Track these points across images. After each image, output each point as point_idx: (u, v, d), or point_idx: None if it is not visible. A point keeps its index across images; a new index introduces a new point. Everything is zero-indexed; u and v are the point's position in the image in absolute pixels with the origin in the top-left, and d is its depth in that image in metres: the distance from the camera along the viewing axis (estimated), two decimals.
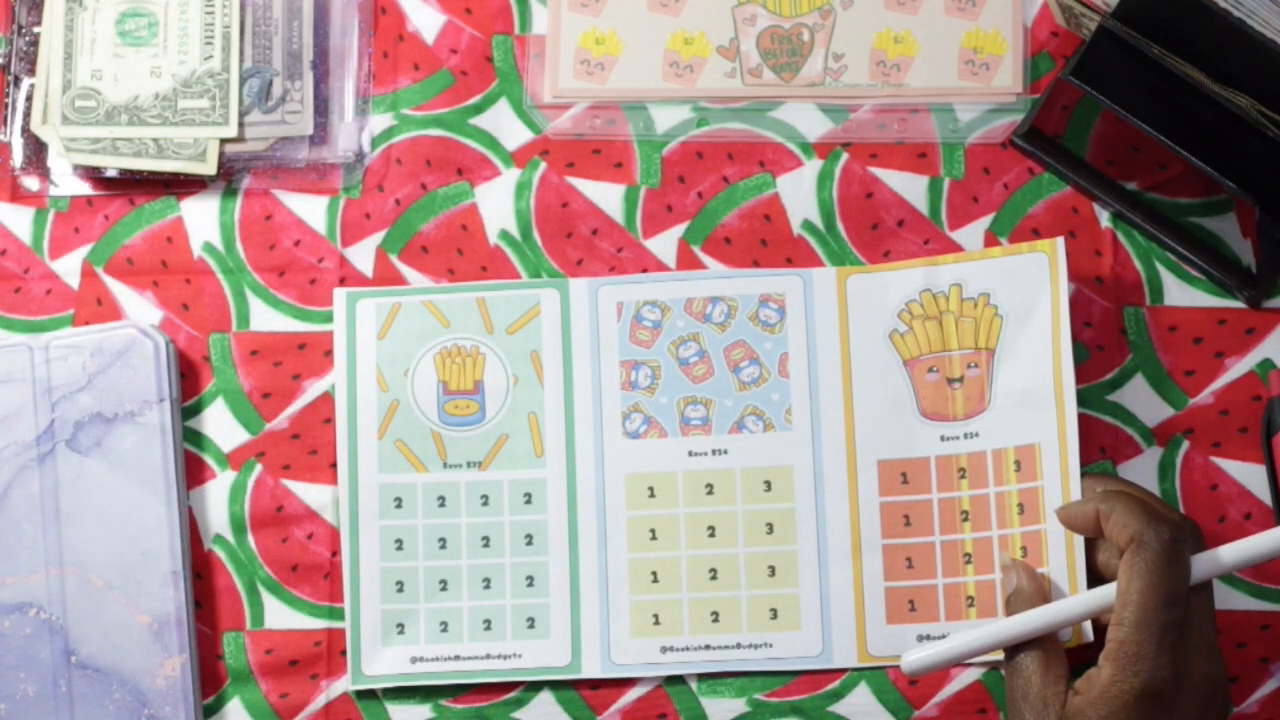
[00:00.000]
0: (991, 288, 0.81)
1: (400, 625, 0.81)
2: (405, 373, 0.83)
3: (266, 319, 0.85)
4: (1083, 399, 0.82)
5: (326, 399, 0.84)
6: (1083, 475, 0.77)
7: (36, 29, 0.87)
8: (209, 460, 0.84)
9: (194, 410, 0.84)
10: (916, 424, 0.81)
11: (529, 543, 0.82)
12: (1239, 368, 0.82)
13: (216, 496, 0.84)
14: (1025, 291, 0.80)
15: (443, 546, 0.82)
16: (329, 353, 0.84)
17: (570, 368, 0.83)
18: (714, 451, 0.82)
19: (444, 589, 0.82)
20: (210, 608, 0.83)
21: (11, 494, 0.82)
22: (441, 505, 0.82)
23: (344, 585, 0.82)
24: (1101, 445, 0.82)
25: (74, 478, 0.82)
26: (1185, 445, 0.82)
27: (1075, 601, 0.73)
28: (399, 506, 0.82)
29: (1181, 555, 0.70)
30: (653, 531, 0.82)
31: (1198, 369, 0.82)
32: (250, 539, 0.84)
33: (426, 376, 0.83)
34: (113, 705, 0.81)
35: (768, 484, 0.82)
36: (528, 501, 0.82)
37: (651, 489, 0.82)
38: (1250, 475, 0.82)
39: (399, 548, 0.82)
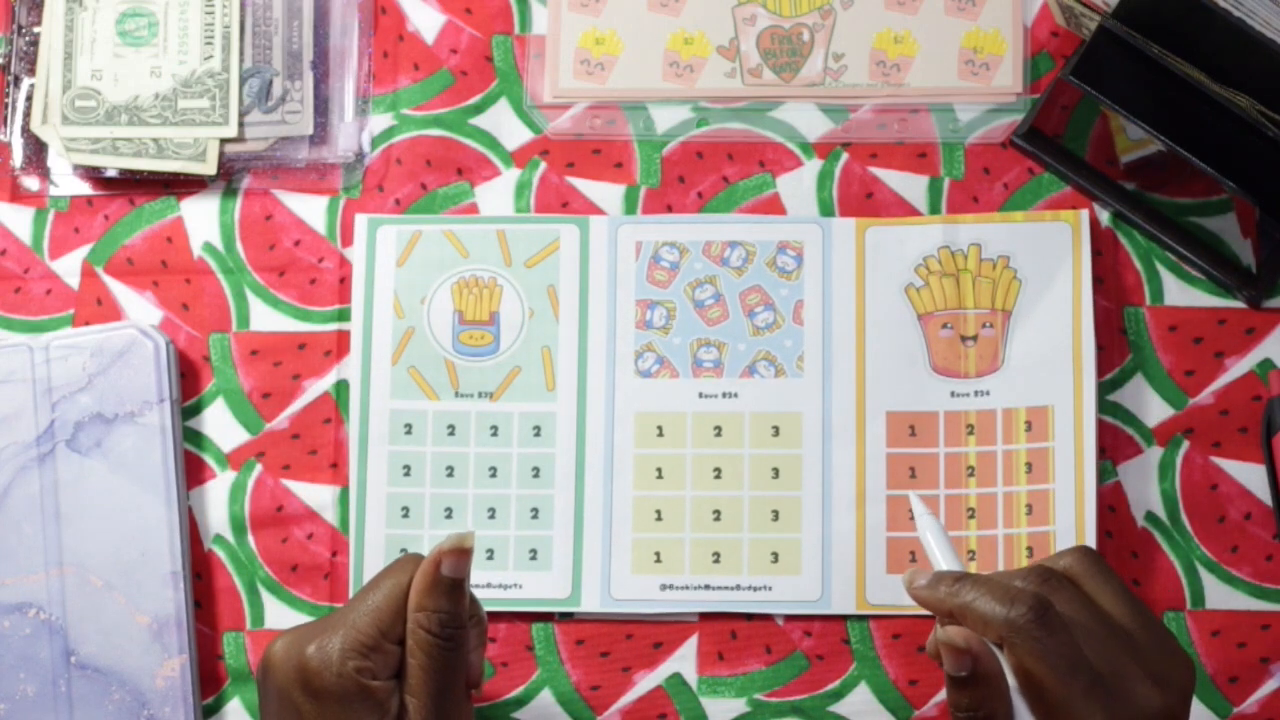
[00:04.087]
0: (1011, 251, 0.82)
1: (404, 551, 0.82)
2: (422, 300, 0.83)
3: (266, 319, 0.85)
4: None
5: (326, 399, 0.84)
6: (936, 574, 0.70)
7: (36, 29, 0.87)
8: (209, 460, 0.84)
9: (194, 410, 0.84)
10: (927, 378, 0.82)
11: (535, 475, 0.82)
12: (1239, 368, 0.82)
13: (216, 496, 0.84)
14: (1047, 258, 0.81)
15: (450, 475, 0.82)
16: (329, 352, 0.84)
17: (586, 304, 0.84)
18: (724, 394, 0.83)
19: (449, 517, 0.82)
20: (210, 608, 0.83)
21: (11, 494, 0.82)
22: (451, 434, 0.83)
23: (350, 511, 0.82)
24: (1102, 445, 0.82)
25: (74, 478, 0.82)
26: (1185, 445, 0.82)
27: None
28: (409, 433, 0.82)
29: (1053, 621, 0.64)
30: (659, 470, 0.82)
31: (1198, 369, 0.82)
32: (250, 539, 0.84)
33: (443, 305, 0.83)
34: (112, 705, 0.81)
35: (776, 429, 0.82)
36: (536, 434, 0.83)
37: (660, 428, 0.83)
38: (1250, 475, 0.82)
39: (406, 474, 0.82)
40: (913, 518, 0.77)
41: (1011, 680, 0.65)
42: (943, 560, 0.71)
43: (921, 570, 0.69)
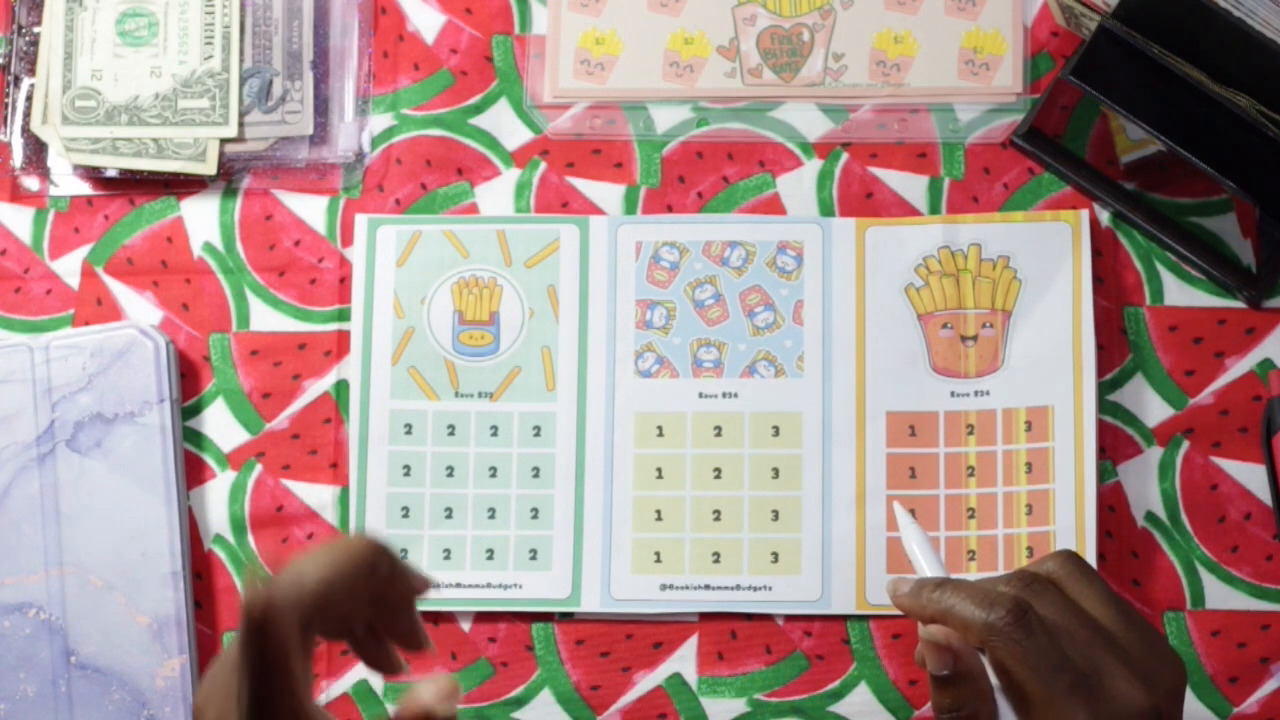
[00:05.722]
0: (1011, 251, 0.82)
1: (404, 550, 0.82)
2: (422, 300, 0.84)
3: (266, 319, 0.85)
4: None
5: (326, 399, 0.84)
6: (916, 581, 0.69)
7: (36, 29, 0.87)
8: (209, 460, 0.84)
9: (194, 410, 0.84)
10: (928, 378, 0.82)
11: (535, 475, 0.83)
12: (1239, 368, 0.82)
13: (216, 496, 0.84)
14: (1047, 258, 0.82)
15: (450, 475, 0.83)
16: (329, 353, 0.84)
17: (586, 304, 0.84)
18: (724, 394, 0.83)
19: (449, 517, 0.82)
20: (210, 608, 0.83)
21: (11, 494, 0.82)
22: (451, 434, 0.83)
23: (350, 511, 0.83)
24: (1102, 445, 0.82)
25: (74, 478, 0.82)
26: (1185, 445, 0.82)
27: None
28: (409, 433, 0.83)
29: (1033, 623, 0.64)
30: (659, 470, 0.82)
31: (1198, 369, 0.82)
32: (250, 539, 0.84)
33: (443, 305, 0.84)
34: (112, 706, 0.81)
35: (776, 429, 0.82)
36: (536, 434, 0.83)
37: (660, 428, 0.83)
38: (1250, 475, 0.82)
39: (406, 474, 0.83)
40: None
41: (995, 681, 0.65)
42: (926, 567, 0.71)
43: (904, 578, 0.69)
